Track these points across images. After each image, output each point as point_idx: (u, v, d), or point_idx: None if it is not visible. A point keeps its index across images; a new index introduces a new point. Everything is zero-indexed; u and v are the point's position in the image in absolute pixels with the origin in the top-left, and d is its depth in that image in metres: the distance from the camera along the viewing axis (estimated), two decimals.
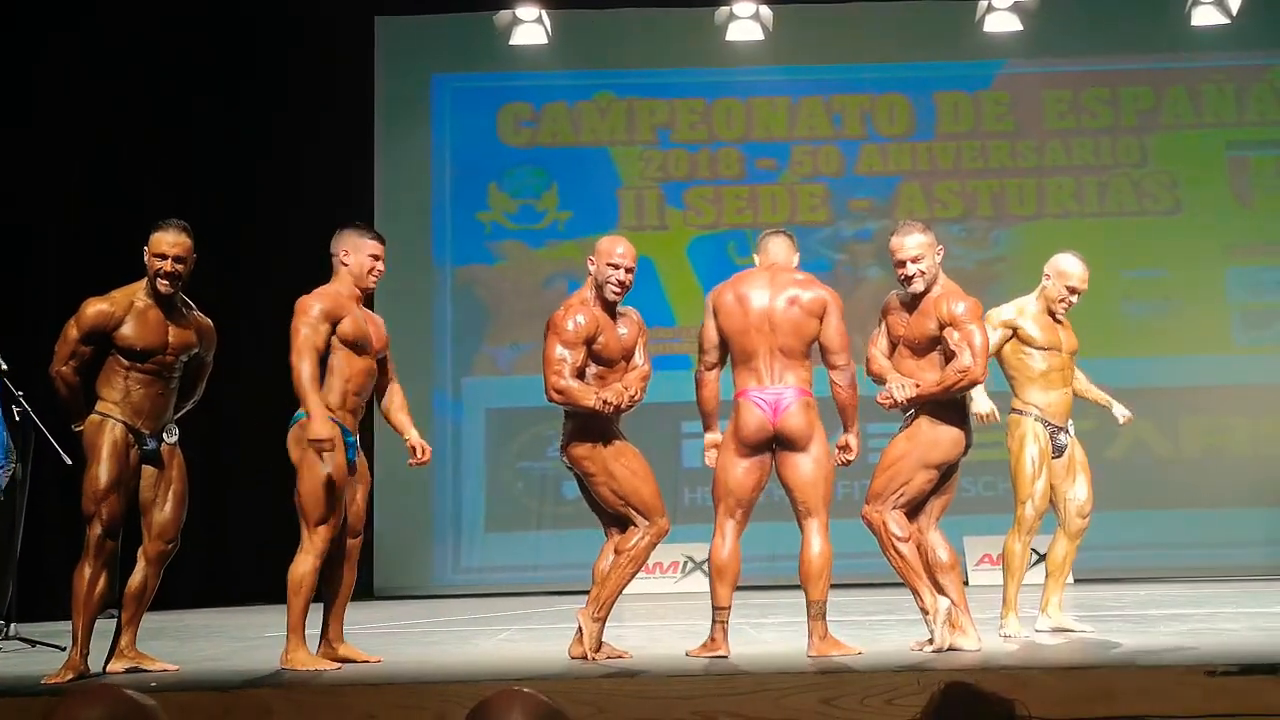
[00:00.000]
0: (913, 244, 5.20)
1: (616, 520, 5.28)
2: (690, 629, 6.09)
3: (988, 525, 10.16)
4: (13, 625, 6.79)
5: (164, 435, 5.17)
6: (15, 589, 7.11)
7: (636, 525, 5.19)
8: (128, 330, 5.05)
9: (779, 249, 5.31)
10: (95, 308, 5.07)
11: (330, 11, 11.29)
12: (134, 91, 10.43)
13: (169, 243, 5.09)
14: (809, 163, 11.95)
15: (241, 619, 8.52)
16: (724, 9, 11.57)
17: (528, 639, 6.58)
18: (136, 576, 5.15)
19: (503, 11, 11.56)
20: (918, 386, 5.14)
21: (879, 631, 5.87)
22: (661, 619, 7.65)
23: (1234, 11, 11.27)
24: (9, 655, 6.26)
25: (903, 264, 5.21)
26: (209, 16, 10.92)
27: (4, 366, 6.66)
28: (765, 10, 11.51)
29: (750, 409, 5.08)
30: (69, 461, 6.30)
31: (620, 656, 5.10)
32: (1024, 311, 6.02)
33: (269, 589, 10.52)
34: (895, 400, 5.16)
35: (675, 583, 10.75)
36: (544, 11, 11.45)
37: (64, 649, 6.32)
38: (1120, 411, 6.35)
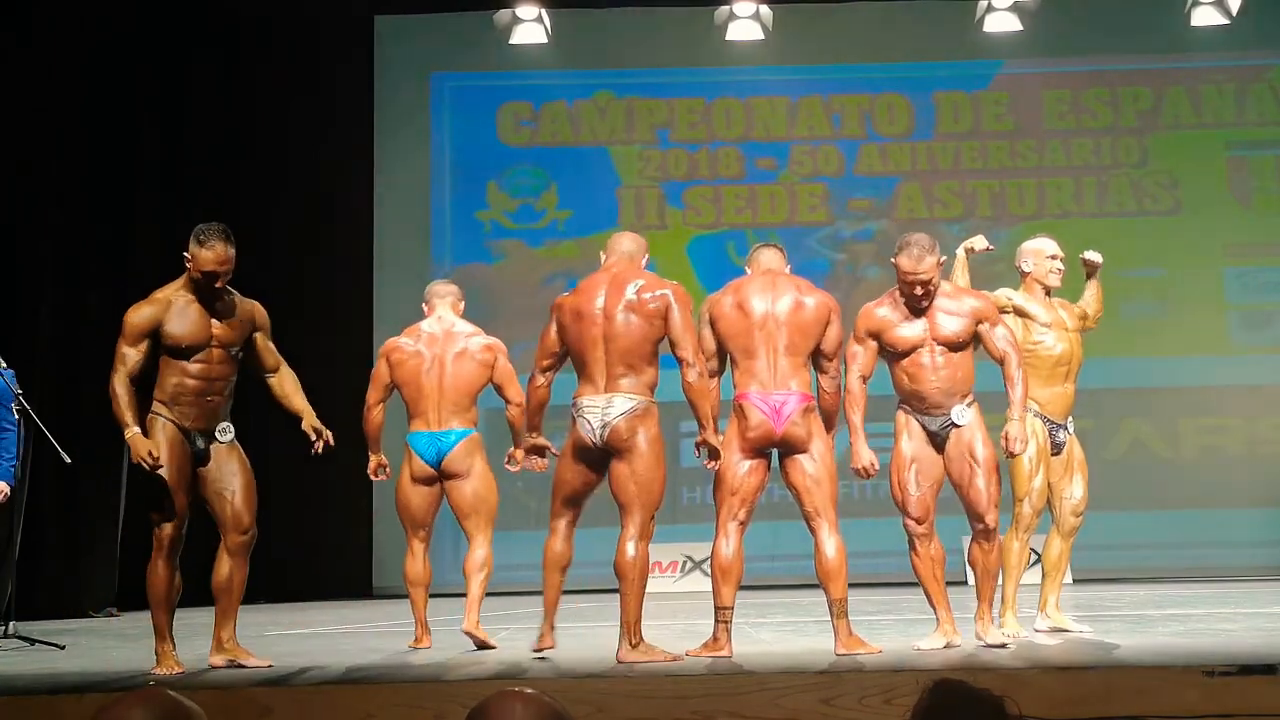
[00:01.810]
0: (926, 267, 5.19)
1: (572, 508, 5.32)
2: (689, 629, 6.09)
3: None
4: (11, 624, 6.80)
5: (216, 435, 5.19)
6: (14, 587, 7.12)
7: (627, 523, 5.14)
8: (171, 327, 5.07)
9: (771, 259, 5.37)
10: (136, 314, 5.08)
11: (330, 10, 11.30)
12: (131, 90, 10.43)
13: (214, 261, 5.05)
14: (808, 162, 11.96)
15: (241, 618, 8.49)
16: (724, 8, 11.57)
17: (528, 639, 6.58)
18: (221, 570, 5.20)
19: (502, 10, 11.56)
20: (1020, 431, 5.23)
21: (878, 631, 5.87)
22: (660, 619, 7.65)
23: (1233, 12, 11.28)
24: (8, 654, 6.26)
25: (915, 285, 5.19)
26: (208, 15, 10.93)
27: (3, 365, 6.66)
28: (765, 10, 11.51)
29: (754, 412, 5.11)
30: (68, 460, 6.31)
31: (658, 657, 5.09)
32: (1017, 297, 6.01)
33: (267, 588, 10.55)
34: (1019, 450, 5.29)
35: (674, 582, 10.75)
36: (543, 10, 11.46)
37: (63, 648, 6.34)
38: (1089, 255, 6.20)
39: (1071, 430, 6.01)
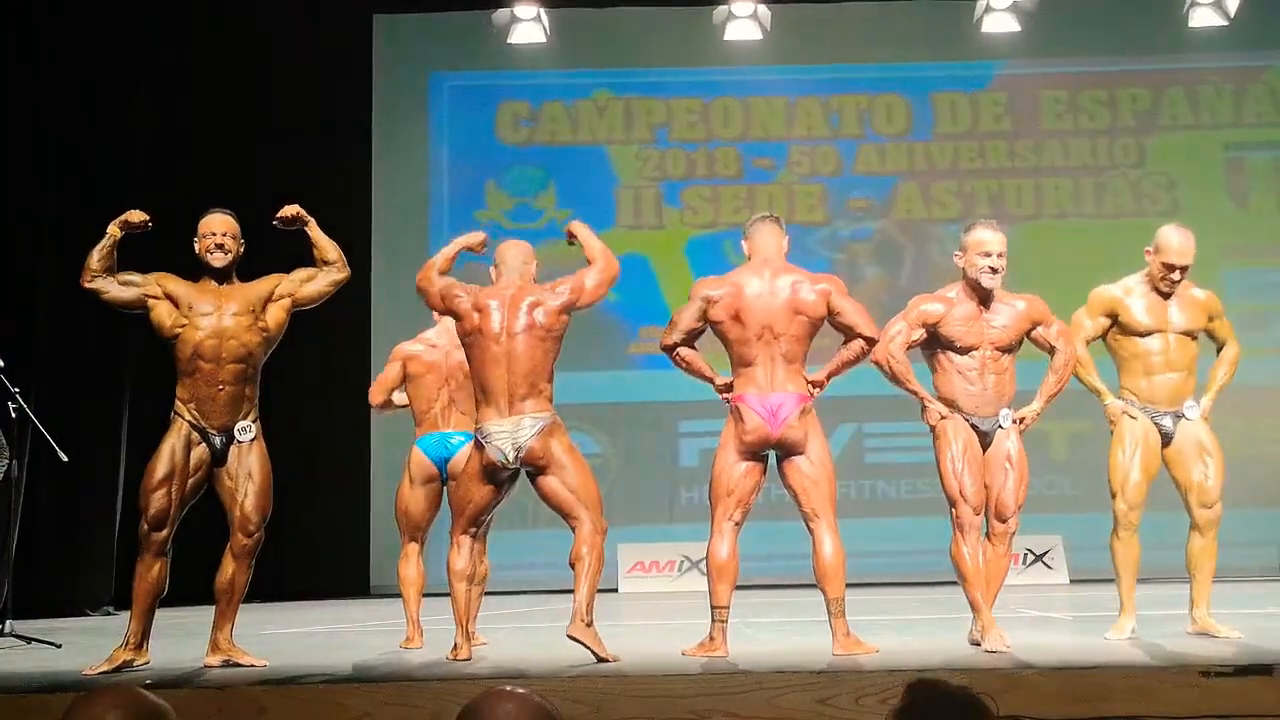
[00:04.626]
0: (1001, 241, 5.32)
1: (476, 524, 5.31)
2: (686, 628, 6.08)
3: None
4: (8, 622, 6.79)
5: (236, 434, 5.21)
6: (11, 586, 7.11)
7: (579, 523, 5.14)
8: (177, 287, 5.28)
9: (768, 238, 5.32)
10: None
11: (329, 8, 11.29)
12: (129, 89, 10.40)
13: (214, 224, 5.40)
14: (806, 162, 11.95)
15: (238, 617, 8.48)
16: (722, 8, 11.56)
17: (525, 638, 6.57)
18: (225, 571, 5.24)
19: (501, 10, 11.55)
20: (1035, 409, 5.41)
21: (875, 631, 5.86)
22: (657, 618, 7.65)
23: (1232, 13, 11.28)
24: (5, 652, 6.26)
25: (990, 255, 5.28)
26: (207, 13, 10.91)
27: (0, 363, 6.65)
28: (763, 10, 11.51)
29: (750, 415, 5.11)
30: (65, 458, 6.30)
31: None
32: (1131, 291, 5.76)
33: (265, 587, 10.54)
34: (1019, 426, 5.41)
35: (671, 581, 10.75)
36: (542, 10, 11.45)
37: (59, 646, 6.33)
38: (1193, 407, 5.81)
39: (1191, 416, 5.73)
